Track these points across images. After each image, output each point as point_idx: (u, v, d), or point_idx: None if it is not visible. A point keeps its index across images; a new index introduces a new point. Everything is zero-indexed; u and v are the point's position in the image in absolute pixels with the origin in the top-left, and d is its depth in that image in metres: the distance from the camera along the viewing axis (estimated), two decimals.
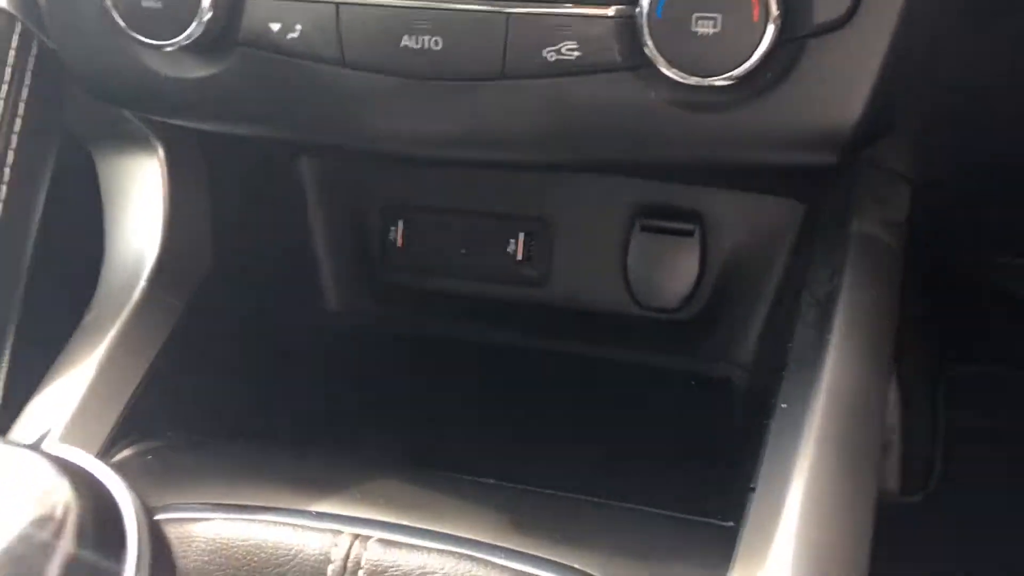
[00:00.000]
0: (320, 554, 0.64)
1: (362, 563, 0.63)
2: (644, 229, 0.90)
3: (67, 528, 0.30)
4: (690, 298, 0.90)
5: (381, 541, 0.64)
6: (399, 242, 0.96)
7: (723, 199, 0.89)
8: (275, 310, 0.93)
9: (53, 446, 0.70)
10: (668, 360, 0.91)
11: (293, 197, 0.96)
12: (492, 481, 0.71)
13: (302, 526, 0.65)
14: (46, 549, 0.30)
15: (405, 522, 0.66)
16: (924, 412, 1.25)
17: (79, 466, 0.33)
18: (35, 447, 0.33)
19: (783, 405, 0.67)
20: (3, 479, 0.31)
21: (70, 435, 0.72)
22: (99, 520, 0.31)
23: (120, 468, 0.73)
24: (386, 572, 0.63)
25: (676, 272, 0.90)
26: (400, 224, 0.97)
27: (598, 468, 0.78)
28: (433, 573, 0.62)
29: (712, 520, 0.67)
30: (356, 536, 0.64)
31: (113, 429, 0.74)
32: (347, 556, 0.63)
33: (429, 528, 0.65)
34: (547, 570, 0.62)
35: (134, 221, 0.84)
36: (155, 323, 0.80)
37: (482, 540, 0.64)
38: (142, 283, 0.81)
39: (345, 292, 0.99)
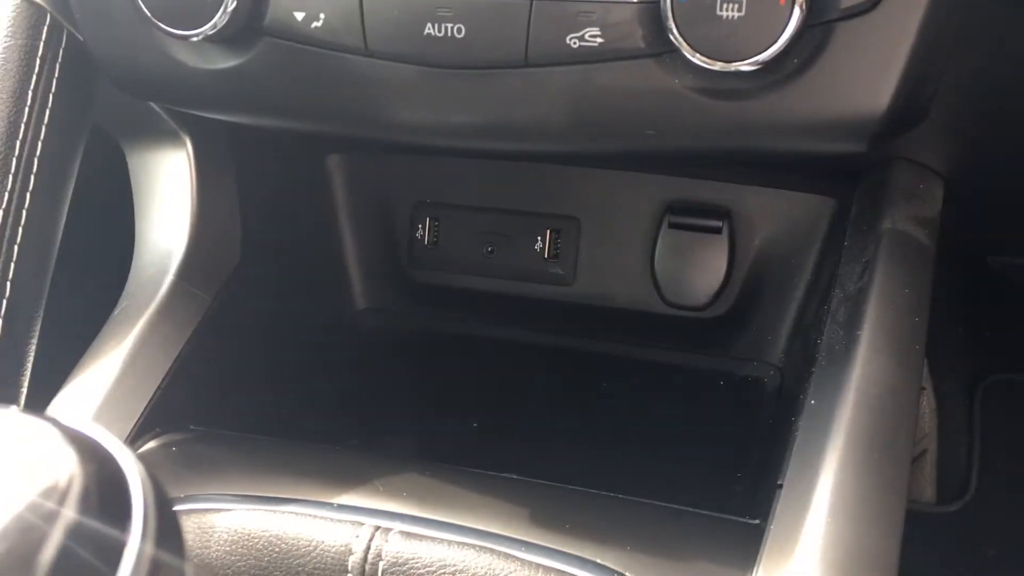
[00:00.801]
0: (341, 545, 0.63)
1: (383, 555, 0.63)
2: (672, 226, 0.89)
3: (71, 496, 0.30)
4: (718, 296, 0.88)
5: (402, 533, 0.63)
6: (426, 240, 0.96)
7: (752, 195, 0.88)
8: (301, 306, 0.93)
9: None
10: (696, 359, 0.89)
11: (321, 194, 0.97)
12: (515, 477, 0.70)
13: (324, 517, 0.65)
14: (51, 517, 0.29)
15: (426, 515, 0.65)
16: (960, 421, 1.23)
17: (87, 436, 0.32)
18: (46, 416, 0.32)
19: (812, 402, 0.66)
20: (12, 446, 0.31)
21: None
22: (104, 489, 0.31)
23: (144, 459, 0.73)
24: (407, 564, 0.62)
25: (704, 270, 0.88)
26: (427, 222, 0.96)
27: (623, 465, 0.77)
28: (453, 566, 0.62)
29: (739, 517, 0.66)
30: (377, 528, 0.64)
31: (139, 421, 0.74)
32: (368, 548, 0.63)
33: (450, 521, 0.65)
34: (569, 565, 0.61)
35: (163, 215, 0.84)
36: (182, 317, 0.81)
37: (503, 534, 0.64)
38: (170, 276, 0.81)
39: (372, 289, 0.99)
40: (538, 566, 0.61)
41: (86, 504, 0.30)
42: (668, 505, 0.67)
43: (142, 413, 0.75)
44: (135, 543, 0.30)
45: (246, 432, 0.77)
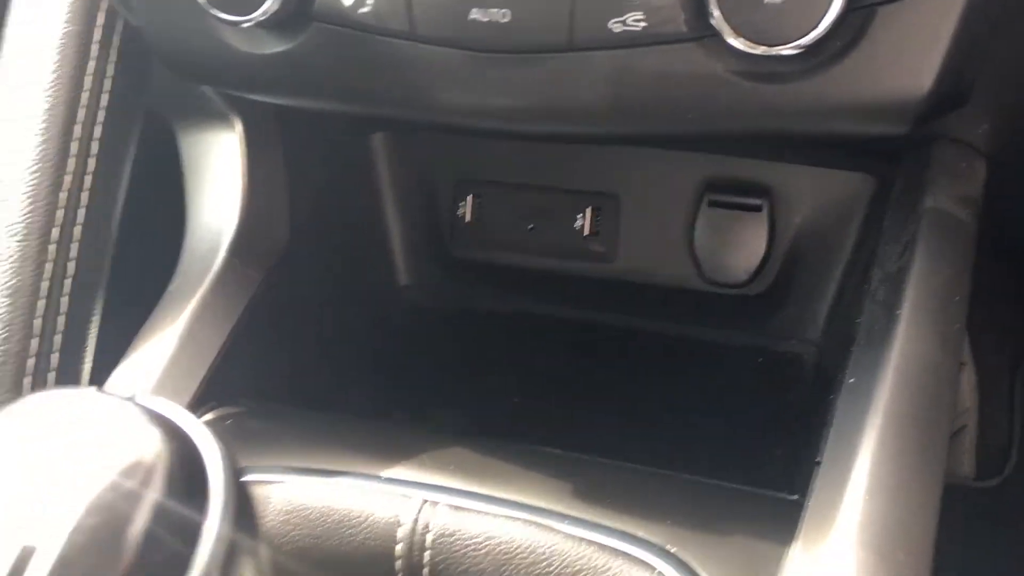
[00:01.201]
0: (391, 517, 0.65)
1: (431, 527, 0.65)
2: (712, 204, 0.89)
3: (155, 477, 0.32)
4: (758, 274, 0.89)
5: (450, 507, 0.66)
6: (468, 217, 0.98)
7: (792, 173, 0.88)
8: (346, 283, 0.96)
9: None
10: (735, 336, 0.90)
11: (365, 172, 0.98)
12: (558, 451, 0.72)
13: (374, 490, 0.67)
14: (134, 498, 0.31)
15: (472, 489, 0.67)
16: (1002, 397, 1.23)
17: (168, 417, 0.34)
18: (127, 397, 0.34)
19: (851, 380, 0.67)
20: (96, 427, 0.33)
21: None
22: (185, 470, 0.32)
23: None
24: (454, 536, 0.64)
25: (744, 248, 0.89)
26: (469, 199, 0.98)
27: (662, 440, 0.78)
28: (499, 538, 0.64)
29: (777, 493, 0.67)
30: (425, 501, 0.66)
31: (194, 396, 0.77)
32: (416, 520, 0.65)
33: (495, 495, 0.66)
34: (612, 538, 0.63)
35: (214, 194, 0.86)
36: (234, 293, 0.83)
37: (547, 508, 0.65)
38: (221, 254, 0.84)
39: (415, 266, 1.01)
40: (580, 539, 0.63)
41: (169, 484, 0.31)
42: (707, 480, 0.69)
43: (198, 388, 0.77)
44: (214, 524, 0.32)
45: (296, 406, 0.80)
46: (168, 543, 0.31)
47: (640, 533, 0.63)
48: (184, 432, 0.34)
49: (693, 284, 0.91)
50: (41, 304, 0.64)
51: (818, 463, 0.64)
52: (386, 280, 1.00)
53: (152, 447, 0.33)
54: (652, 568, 0.61)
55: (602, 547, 0.62)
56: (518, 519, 0.64)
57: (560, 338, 0.94)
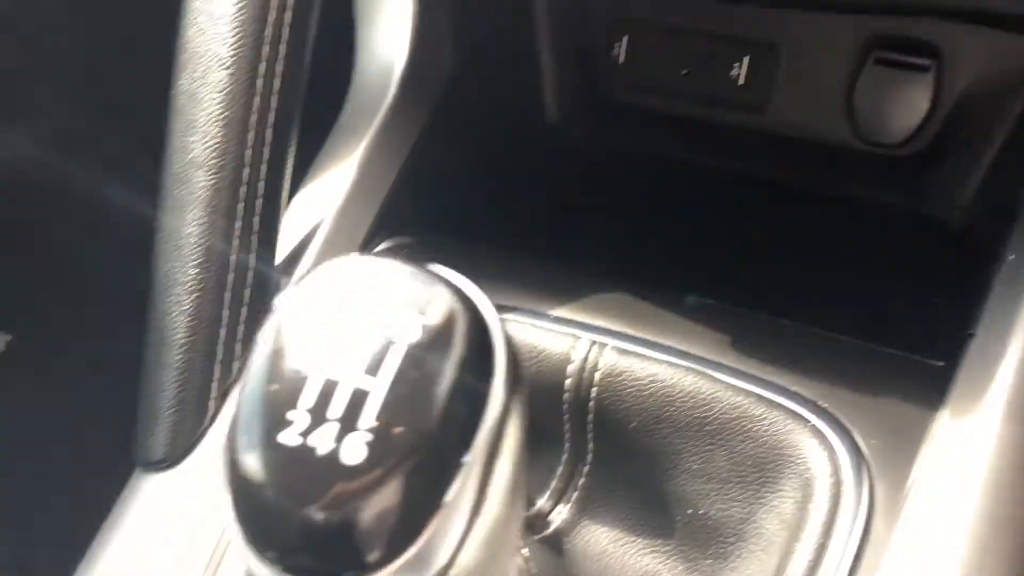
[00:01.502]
0: (562, 354, 0.71)
1: (599, 366, 0.71)
2: (878, 62, 0.88)
3: (458, 338, 0.37)
4: (915, 135, 0.89)
5: (616, 349, 0.71)
6: (622, 58, 0.98)
7: (965, 34, 0.86)
8: (502, 120, 0.98)
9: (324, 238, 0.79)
10: (885, 196, 0.91)
11: (523, 5, 0.99)
12: (714, 302, 0.76)
13: (546, 328, 0.73)
14: (443, 356, 0.36)
15: (637, 334, 0.72)
16: None
17: (457, 283, 0.39)
18: (393, 257, 0.39)
19: (1011, 256, 0.69)
20: (403, 290, 0.38)
21: (336, 229, 0.81)
22: (479, 333, 0.37)
23: None
24: (620, 376, 0.70)
25: (904, 108, 0.89)
26: (624, 40, 0.98)
27: (810, 296, 0.82)
28: (663, 382, 0.69)
29: (924, 359, 0.71)
30: (594, 342, 0.71)
31: (371, 226, 0.83)
32: (586, 358, 0.71)
33: (659, 342, 0.72)
34: (768, 391, 0.68)
35: (385, 27, 0.89)
36: (404, 127, 0.87)
37: (708, 358, 0.70)
38: (392, 88, 0.87)
39: (565, 106, 1.02)
40: (739, 389, 0.68)
41: (468, 345, 0.36)
42: (855, 341, 0.73)
43: (373, 219, 0.83)
44: (499, 389, 0.37)
45: (461, 239, 0.85)
46: (467, 399, 0.36)
47: (794, 388, 0.68)
48: (472, 298, 0.38)
49: (846, 142, 0.92)
50: (250, 136, 0.69)
51: (971, 335, 0.67)
52: (538, 118, 1.02)
53: (454, 310, 0.38)
54: (806, 422, 0.66)
55: (759, 398, 0.67)
56: (680, 365, 0.70)
57: (707, 188, 0.96)
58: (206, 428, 0.70)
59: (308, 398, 0.36)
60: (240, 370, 0.72)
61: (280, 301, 0.38)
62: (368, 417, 0.35)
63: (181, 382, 0.69)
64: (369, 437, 0.35)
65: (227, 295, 0.71)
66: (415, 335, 0.36)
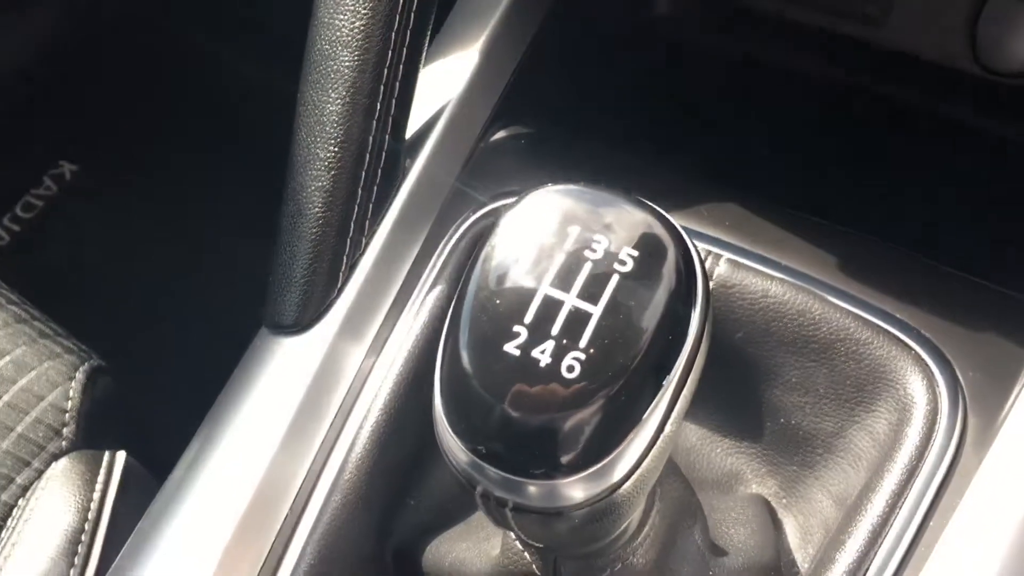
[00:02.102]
0: None
1: (713, 275, 0.73)
2: None
3: (663, 276, 0.40)
4: None
5: (730, 262, 0.74)
6: None
7: None
8: (615, 13, 0.98)
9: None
10: (1000, 128, 0.91)
11: None
12: (825, 222, 0.78)
13: None
14: (656, 282, 0.39)
15: (752, 248, 0.75)
16: None
17: (658, 210, 0.41)
18: (605, 187, 0.41)
19: None
20: (597, 219, 0.40)
21: (458, 114, 0.82)
22: (681, 267, 0.40)
23: (496, 149, 0.84)
24: (733, 288, 0.73)
25: None
26: None
27: (914, 221, 0.83)
28: (773, 297, 0.72)
29: None
30: (709, 252, 0.74)
31: (491, 114, 0.84)
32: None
33: (773, 258, 0.74)
34: (874, 316, 0.70)
35: None
36: (526, 16, 0.87)
37: (818, 277, 0.73)
38: None
39: (679, 4, 1.01)
40: (848, 312, 0.71)
41: (677, 272, 0.40)
42: (964, 274, 0.75)
43: (492, 108, 0.84)
44: (698, 318, 0.40)
45: (571, 130, 0.86)
46: (672, 327, 0.39)
47: (901, 316, 0.71)
48: (679, 231, 0.41)
49: (964, 66, 0.91)
50: (396, 18, 0.70)
51: None
52: (645, 12, 1.01)
53: (664, 242, 0.40)
54: (909, 349, 0.69)
55: (866, 322, 0.70)
56: (792, 283, 0.72)
57: (817, 100, 0.96)
58: (335, 298, 0.73)
59: (531, 315, 0.39)
60: (367, 245, 0.75)
61: (500, 220, 0.41)
62: (584, 337, 0.39)
63: (315, 253, 0.72)
64: (584, 355, 0.39)
65: (362, 173, 0.73)
66: (628, 264, 0.39)
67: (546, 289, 0.40)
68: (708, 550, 0.61)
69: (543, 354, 0.39)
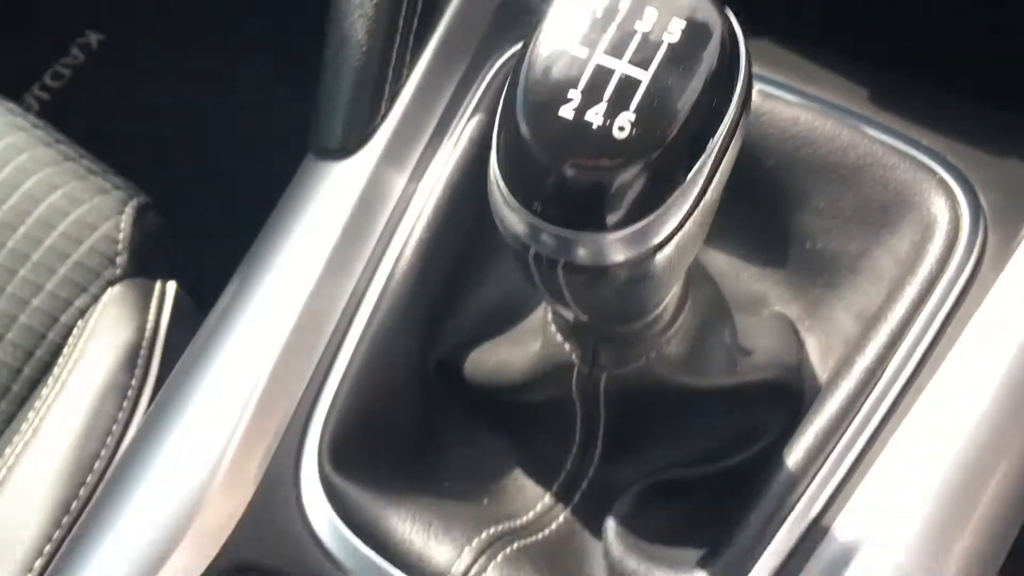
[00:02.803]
0: None
1: None
2: None
3: (709, 47, 0.42)
4: None
5: (761, 92, 0.75)
6: None
7: None
8: None
9: None
10: None
11: None
12: (853, 58, 0.79)
13: None
14: (699, 58, 0.42)
15: (781, 79, 0.77)
16: None
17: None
18: None
19: None
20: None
21: None
22: (729, 36, 0.43)
23: None
24: (764, 116, 0.75)
25: None
26: None
27: (949, 62, 0.84)
28: (804, 124, 0.74)
29: None
30: None
31: None
32: None
33: (802, 88, 0.76)
34: (903, 143, 0.72)
35: None
36: None
37: (848, 107, 0.75)
38: None
39: None
40: (875, 139, 0.73)
41: (720, 54, 0.42)
42: (989, 106, 0.76)
43: None
44: (742, 84, 0.43)
45: None
46: (719, 91, 0.42)
47: (926, 142, 0.73)
48: (726, 10, 0.44)
49: None
50: None
51: None
52: None
53: (711, 17, 0.43)
54: (934, 173, 0.71)
55: (893, 149, 0.72)
56: (821, 112, 0.74)
57: None
58: (377, 125, 0.76)
59: (585, 81, 0.42)
60: (408, 76, 0.77)
61: None
62: (635, 100, 0.41)
63: (359, 81, 0.75)
64: (634, 117, 0.41)
65: (404, 4, 0.75)
66: (676, 34, 0.42)
67: (599, 57, 0.42)
68: (736, 349, 0.65)
69: (596, 116, 0.42)
